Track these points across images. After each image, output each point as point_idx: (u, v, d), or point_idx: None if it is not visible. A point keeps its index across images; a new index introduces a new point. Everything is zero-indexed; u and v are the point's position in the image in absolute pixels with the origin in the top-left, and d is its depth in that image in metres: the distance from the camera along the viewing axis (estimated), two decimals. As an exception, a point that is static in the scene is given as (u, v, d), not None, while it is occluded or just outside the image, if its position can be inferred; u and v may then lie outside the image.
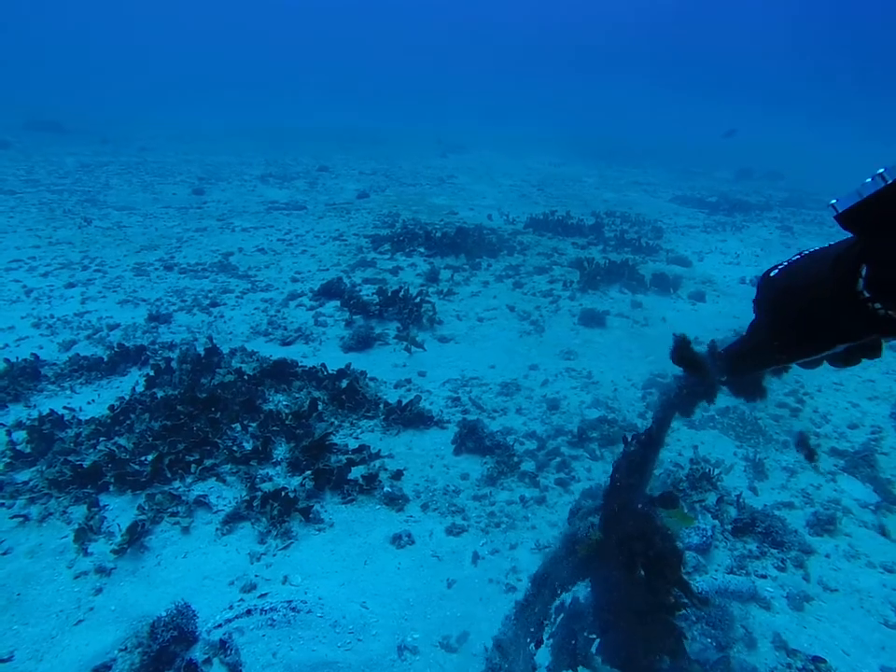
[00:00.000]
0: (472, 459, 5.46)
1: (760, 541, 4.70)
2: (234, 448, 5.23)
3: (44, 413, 5.44)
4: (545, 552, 4.45)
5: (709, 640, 3.99)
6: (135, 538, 4.17)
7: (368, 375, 6.71)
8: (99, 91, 44.16)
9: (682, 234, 14.77)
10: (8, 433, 5.23)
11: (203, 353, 6.66)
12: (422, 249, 11.54)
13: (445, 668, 3.55)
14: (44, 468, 4.80)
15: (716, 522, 4.87)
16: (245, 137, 29.54)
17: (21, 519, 4.32)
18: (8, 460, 4.87)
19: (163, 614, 3.51)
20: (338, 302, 8.84)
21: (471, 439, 5.54)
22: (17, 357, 6.39)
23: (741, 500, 4.99)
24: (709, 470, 5.34)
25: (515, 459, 5.40)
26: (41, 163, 19.14)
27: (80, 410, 5.79)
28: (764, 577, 4.40)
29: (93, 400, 6.01)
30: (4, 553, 4.05)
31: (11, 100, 33.44)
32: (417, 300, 8.56)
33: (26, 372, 6.18)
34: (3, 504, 4.46)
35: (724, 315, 9.47)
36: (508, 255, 11.56)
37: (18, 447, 5.03)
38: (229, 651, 3.44)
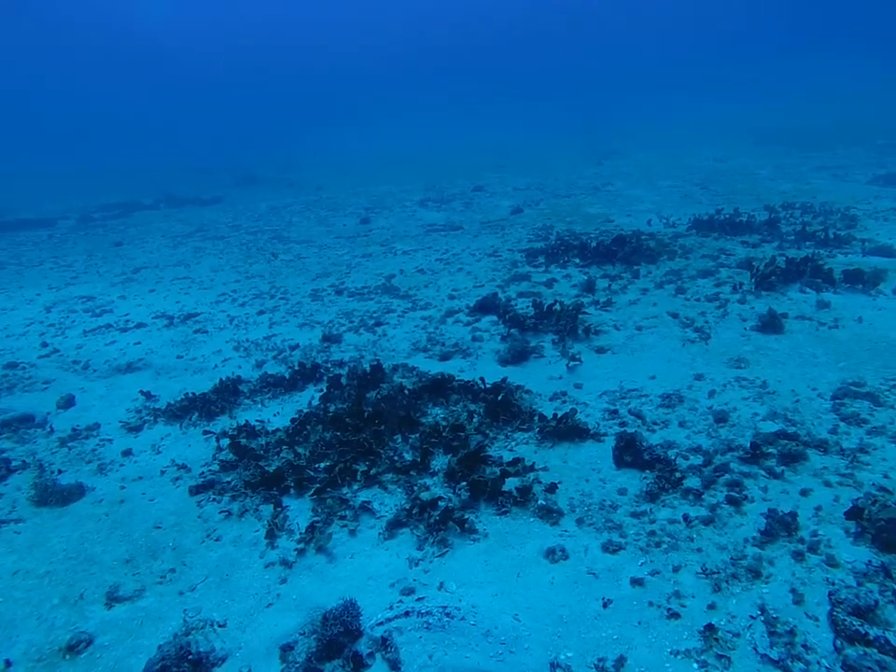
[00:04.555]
0: (631, 474, 5.22)
1: None
2: (395, 458, 5.59)
3: (241, 424, 6.33)
4: (713, 578, 4.09)
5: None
6: (312, 537, 4.65)
7: (524, 388, 6.76)
8: (274, 143, 51.45)
9: (885, 220, 12.70)
10: (217, 440, 6.17)
11: (368, 369, 7.23)
12: (577, 260, 11.35)
13: (601, 691, 3.43)
14: (241, 470, 5.58)
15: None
16: (400, 166, 31.58)
17: (226, 513, 5.12)
18: (217, 466, 5.75)
19: (333, 608, 3.86)
20: (494, 317, 9.03)
21: (629, 452, 5.30)
22: (224, 377, 7.50)
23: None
24: (924, 496, 4.50)
25: (678, 475, 5.06)
26: (242, 211, 22.28)
27: (268, 421, 6.61)
28: None
29: (278, 413, 6.82)
30: (216, 540, 4.86)
31: (222, 164, 39.90)
32: (573, 311, 8.43)
33: (229, 389, 7.22)
34: (215, 500, 5.32)
35: (945, 311, 7.94)
36: (668, 259, 10.90)
37: (222, 454, 5.92)
38: (389, 649, 3.67)
